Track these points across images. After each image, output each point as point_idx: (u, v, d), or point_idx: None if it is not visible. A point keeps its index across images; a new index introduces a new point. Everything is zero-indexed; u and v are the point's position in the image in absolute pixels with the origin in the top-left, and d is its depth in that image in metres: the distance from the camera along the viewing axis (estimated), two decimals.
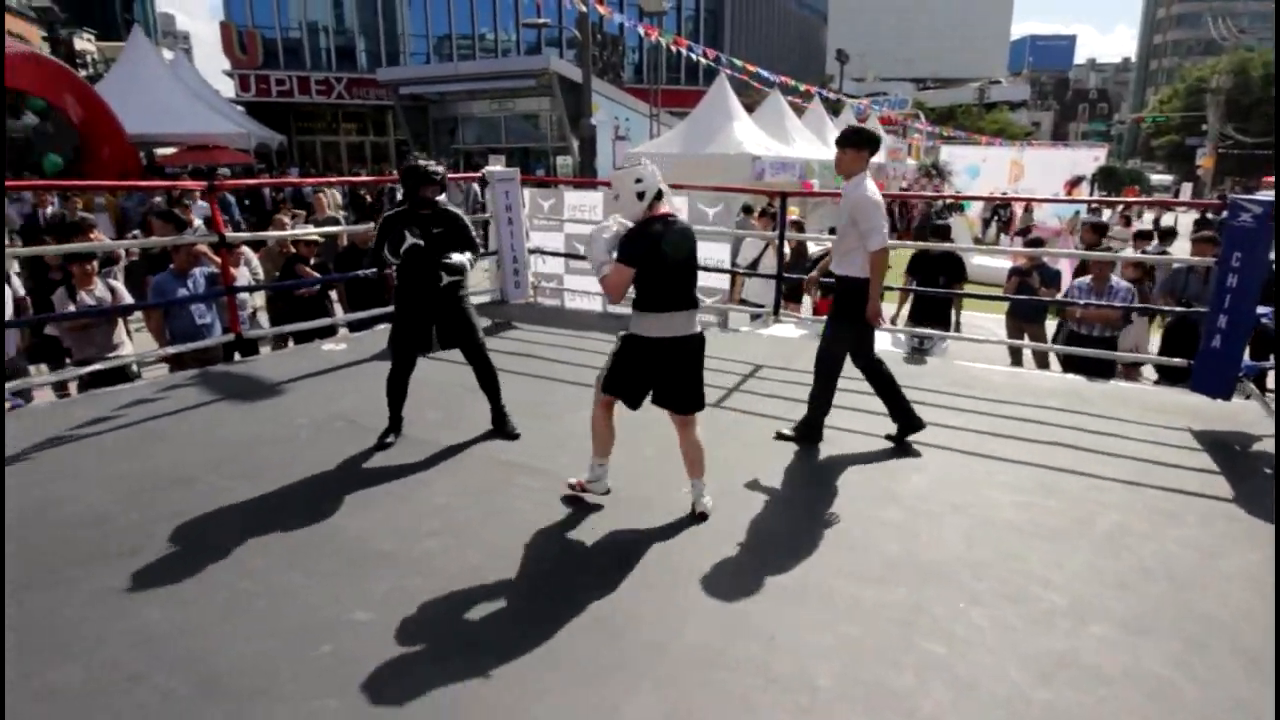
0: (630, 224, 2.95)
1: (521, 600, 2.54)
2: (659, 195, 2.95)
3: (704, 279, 6.58)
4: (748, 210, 11.21)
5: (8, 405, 4.35)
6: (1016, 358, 6.44)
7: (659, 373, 3.07)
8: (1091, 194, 20.84)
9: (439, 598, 2.53)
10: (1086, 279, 5.72)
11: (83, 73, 23.13)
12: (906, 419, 3.86)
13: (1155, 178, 46.21)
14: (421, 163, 3.73)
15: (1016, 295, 6.25)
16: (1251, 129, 45.35)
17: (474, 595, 2.55)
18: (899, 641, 2.36)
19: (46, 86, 15.27)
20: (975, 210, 18.74)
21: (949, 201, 15.98)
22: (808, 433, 3.90)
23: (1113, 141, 59.28)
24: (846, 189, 3.75)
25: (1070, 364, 5.69)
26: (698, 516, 3.08)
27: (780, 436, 3.94)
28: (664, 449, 3.80)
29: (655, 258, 2.90)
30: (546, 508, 3.17)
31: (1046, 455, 3.77)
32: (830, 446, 3.86)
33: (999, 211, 17.22)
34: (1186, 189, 31.98)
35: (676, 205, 6.56)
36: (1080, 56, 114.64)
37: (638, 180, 2.91)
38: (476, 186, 15.34)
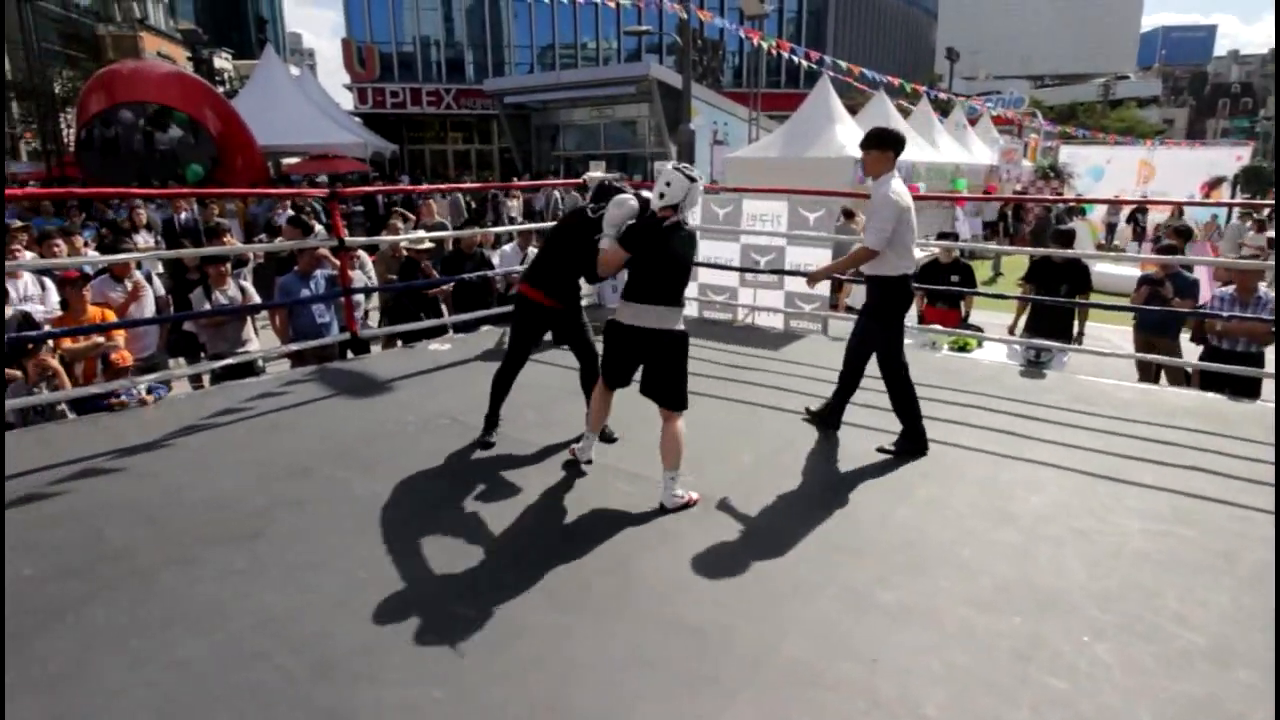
0: (634, 208, 3.24)
1: (617, 605, 2.53)
2: (674, 207, 3.17)
3: (804, 285, 6.43)
4: (848, 214, 10.91)
5: (151, 395, 4.74)
6: (1146, 374, 5.96)
7: (633, 360, 3.33)
8: (1233, 197, 19.13)
9: (536, 596, 2.57)
10: (1230, 289, 5.24)
11: (220, 89, 25.12)
12: (914, 438, 3.76)
13: None
14: (610, 180, 3.82)
15: (1146, 306, 5.79)
16: None
17: (570, 597, 2.57)
18: (1014, 673, 2.21)
19: (190, 102, 16.68)
20: (1098, 214, 17.56)
21: (1070, 205, 15.02)
22: (829, 417, 4.03)
23: (1258, 139, 54.25)
24: (872, 188, 3.71)
25: (1210, 382, 5.22)
26: (660, 507, 3.18)
27: (808, 412, 4.15)
28: (761, 459, 3.74)
29: (649, 251, 3.14)
30: (642, 513, 3.17)
31: (1183, 480, 3.46)
32: (937, 462, 3.68)
33: (1137, 216, 15.99)
34: None
35: (776, 210, 6.46)
36: (1221, 48, 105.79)
37: (667, 184, 3.14)
38: (557, 193, 15.63)
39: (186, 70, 24.50)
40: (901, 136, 3.69)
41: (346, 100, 32.91)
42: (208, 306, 5.39)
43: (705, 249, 6.97)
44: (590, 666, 2.22)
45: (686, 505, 3.19)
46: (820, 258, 6.36)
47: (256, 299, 5.98)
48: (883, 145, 3.62)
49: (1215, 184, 19.02)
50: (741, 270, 6.75)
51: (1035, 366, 5.34)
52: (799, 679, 2.19)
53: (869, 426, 4.16)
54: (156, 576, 2.66)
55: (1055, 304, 5.69)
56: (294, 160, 23.19)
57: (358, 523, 3.04)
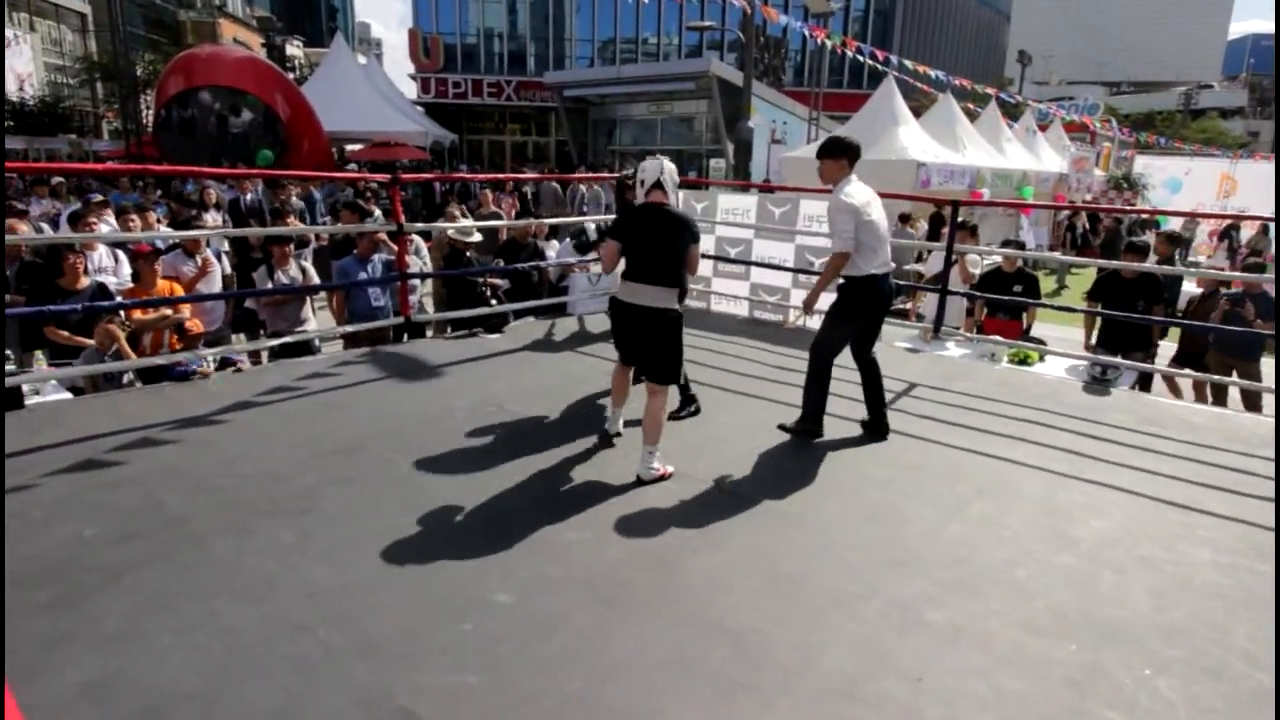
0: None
1: (657, 604, 2.50)
2: (656, 185, 3.42)
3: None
4: (904, 219, 10.66)
5: (221, 368, 4.87)
6: (1219, 397, 5.67)
7: (622, 333, 3.63)
8: None
9: (576, 590, 2.55)
10: None
11: (291, 75, 25.85)
12: (876, 421, 4.01)
13: None
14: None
15: (1224, 325, 5.51)
16: None
17: (610, 592, 2.55)
18: (1068, 703, 2.11)
19: (262, 87, 17.21)
20: (1175, 227, 16.79)
21: (1144, 218, 14.41)
22: (804, 427, 3.97)
23: None
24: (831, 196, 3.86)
25: None
26: (636, 479, 3.38)
27: (781, 428, 4.03)
28: (807, 464, 3.67)
29: (628, 235, 3.46)
30: (685, 513, 3.13)
31: (1259, 513, 3.27)
32: (993, 478, 3.56)
33: (1231, 232, 15.22)
34: None
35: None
36: None
37: (641, 170, 3.48)
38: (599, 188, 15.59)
39: (260, 56, 25.28)
40: (854, 145, 3.82)
41: (410, 89, 33.56)
42: (270, 285, 5.53)
43: (760, 249, 6.90)
44: (626, 664, 2.20)
45: (661, 478, 3.43)
46: None
47: (316, 280, 6.13)
48: (835, 154, 3.79)
49: None
50: (795, 271, 6.64)
51: (1100, 384, 5.12)
52: (839, 692, 2.13)
53: (920, 436, 4.05)
54: (210, 544, 2.73)
55: (1127, 319, 5.44)
56: (357, 146, 23.75)
57: (404, 504, 3.07)
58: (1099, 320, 5.79)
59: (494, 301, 6.22)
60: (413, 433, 3.84)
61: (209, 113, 16.68)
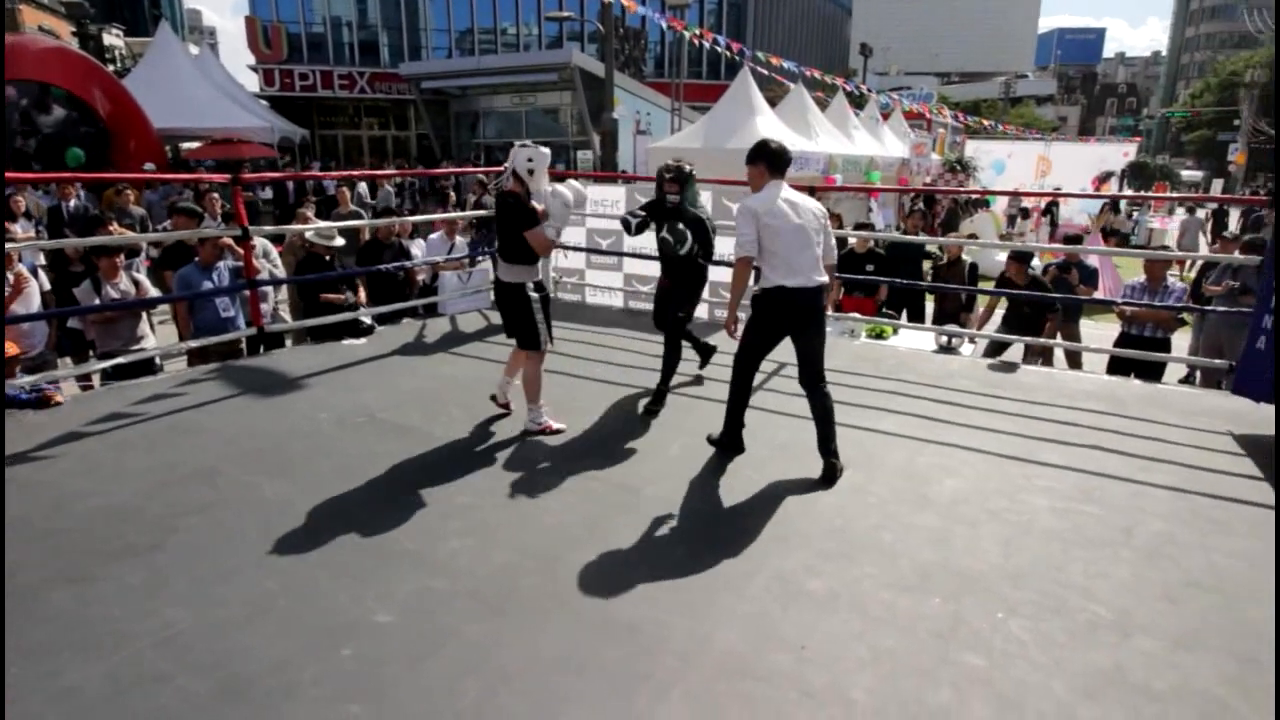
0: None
1: (547, 604, 2.48)
2: (513, 174, 3.71)
3: (728, 274, 6.50)
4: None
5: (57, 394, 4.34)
6: (1047, 358, 6.26)
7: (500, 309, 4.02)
8: (1121, 190, 20.42)
9: (463, 600, 2.48)
10: (1140, 279, 5.57)
11: (111, 68, 23.42)
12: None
13: (1185, 173, 45.22)
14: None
15: (1057, 294, 6.09)
16: None
17: (499, 598, 2.50)
18: (936, 654, 2.27)
19: (72, 79, 15.47)
20: (1000, 206, 18.42)
21: (974, 198, 15.71)
22: (723, 441, 3.72)
23: (1142, 136, 58.12)
24: None
25: (1118, 366, 5.54)
26: (522, 434, 3.85)
27: (710, 440, 3.78)
28: (689, 450, 3.74)
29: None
30: (574, 509, 3.12)
31: (1086, 460, 3.66)
32: (860, 449, 3.77)
33: (1051, 209, 16.82)
34: (1217, 185, 31.25)
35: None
36: (1109, 50, 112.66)
37: (529, 159, 3.68)
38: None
39: (71, 46, 22.72)
40: (772, 149, 3.55)
41: (251, 82, 31.24)
42: (97, 301, 5.00)
43: (631, 239, 6.94)
44: (520, 671, 2.16)
45: (544, 431, 3.84)
46: None
47: (153, 292, 5.60)
48: (751, 160, 3.57)
49: (1105, 178, 20.25)
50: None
51: (946, 352, 5.55)
52: (731, 671, 2.19)
53: (792, 414, 4.22)
54: (43, 597, 2.44)
55: (970, 292, 5.91)
56: (194, 145, 21.89)
57: (268, 530, 2.87)
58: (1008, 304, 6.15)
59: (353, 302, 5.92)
60: (274, 452, 3.60)
61: (13, 109, 14.83)
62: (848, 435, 3.93)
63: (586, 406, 4.30)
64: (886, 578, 2.66)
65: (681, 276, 4.46)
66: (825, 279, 3.51)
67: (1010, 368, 5.22)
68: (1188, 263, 11.85)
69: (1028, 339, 5.65)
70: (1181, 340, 7.30)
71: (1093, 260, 7.58)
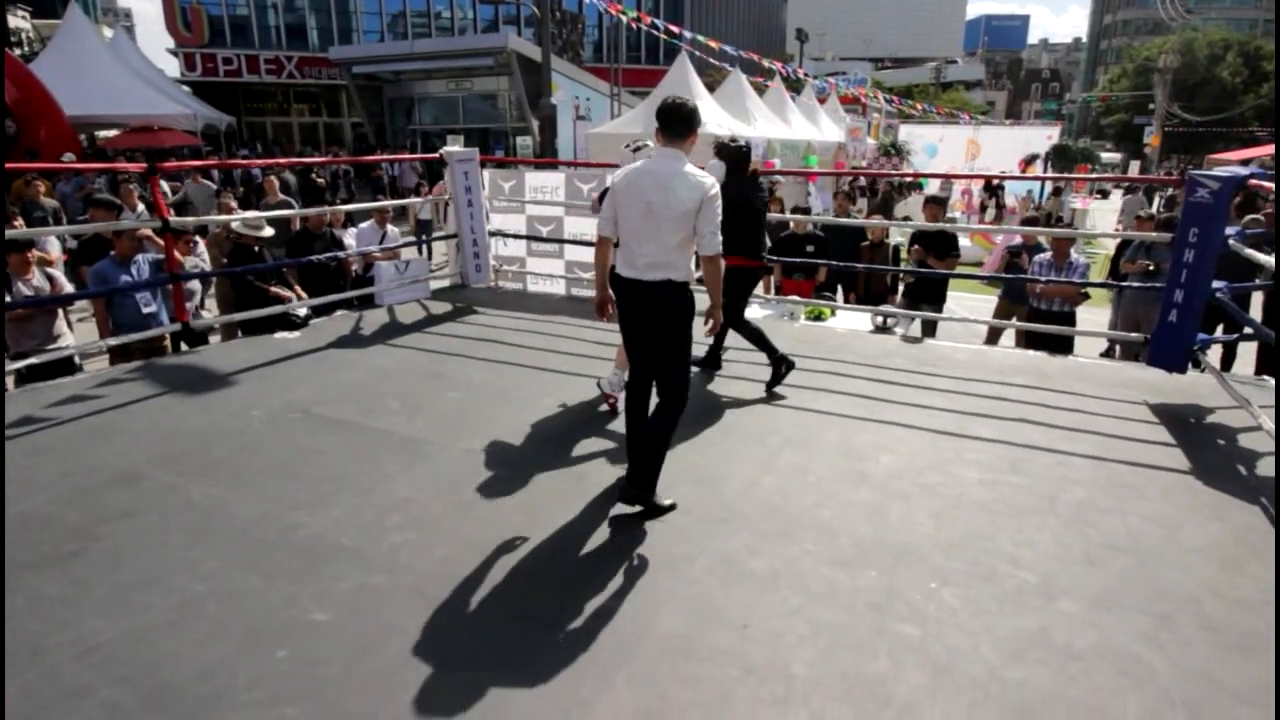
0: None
1: (489, 597, 2.46)
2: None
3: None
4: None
5: None
6: (994, 338, 6.47)
7: None
8: (1045, 171, 21.18)
9: (403, 595, 2.44)
10: (1047, 255, 5.79)
11: (16, 51, 22.04)
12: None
13: (1105, 156, 47.20)
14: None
15: (1009, 275, 6.29)
16: (1196, 107, 46.55)
17: (439, 592, 2.46)
18: (873, 626, 2.34)
19: None
20: (933, 189, 18.92)
21: (909, 181, 16.08)
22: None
23: (1064, 120, 60.37)
24: None
25: (1032, 340, 5.76)
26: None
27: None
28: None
29: None
30: (516, 498, 3.09)
31: (1013, 432, 3.80)
32: (800, 429, 3.83)
33: (997, 192, 17.32)
34: (1134, 167, 32.74)
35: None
36: (1033, 36, 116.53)
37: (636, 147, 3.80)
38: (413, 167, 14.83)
39: None
40: (660, 107, 2.95)
41: (171, 67, 29.83)
42: (8, 299, 4.72)
43: (571, 226, 6.91)
44: (462, 664, 2.14)
45: (608, 399, 3.99)
46: None
47: (68, 288, 5.32)
48: (657, 123, 2.97)
49: (1030, 160, 20.97)
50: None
51: (883, 332, 5.69)
52: (674, 653, 2.21)
53: (734, 397, 4.27)
54: None
55: (927, 274, 6.07)
56: (112, 133, 20.81)
57: (195, 533, 2.77)
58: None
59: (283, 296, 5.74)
60: (202, 452, 3.47)
61: None
62: (790, 416, 4.01)
63: (529, 395, 4.26)
64: (825, 554, 2.72)
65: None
66: (667, 275, 2.84)
67: (941, 347, 5.38)
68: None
69: (1005, 322, 5.89)
70: (1102, 316, 7.65)
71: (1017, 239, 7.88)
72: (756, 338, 4.46)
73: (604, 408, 4.06)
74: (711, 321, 3.02)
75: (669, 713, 1.99)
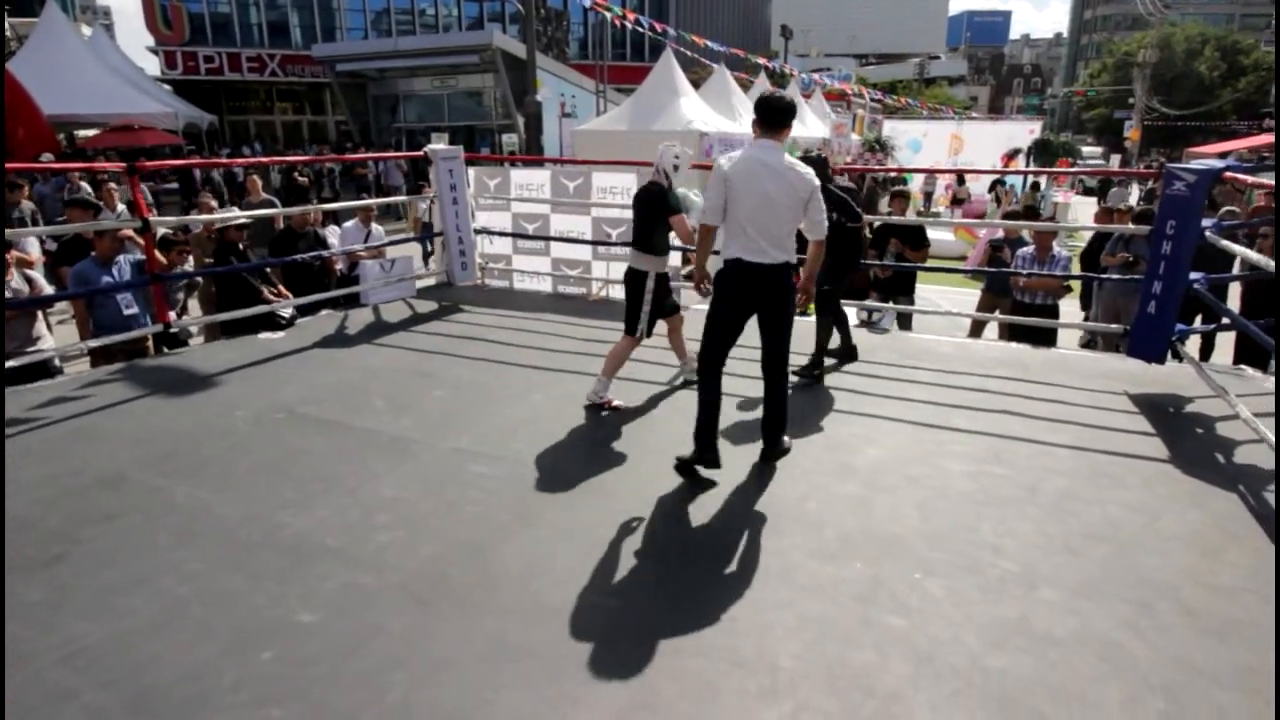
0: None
1: (476, 593, 2.46)
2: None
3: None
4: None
5: None
6: (978, 331, 6.52)
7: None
8: (1027, 165, 21.33)
9: (390, 595, 2.44)
10: (1030, 249, 5.84)
11: None
12: (767, 444, 3.39)
13: (1086, 150, 47.64)
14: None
15: (991, 269, 6.33)
16: (1174, 101, 47.08)
17: (426, 591, 2.46)
18: (859, 617, 2.36)
19: None
20: (917, 184, 19.03)
21: (892, 176, 16.14)
22: (695, 457, 3.26)
23: (1046, 115, 60.87)
24: None
25: (1015, 333, 5.81)
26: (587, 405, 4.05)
27: (679, 465, 3.30)
28: (619, 433, 3.76)
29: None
30: (500, 496, 3.10)
31: (996, 424, 3.84)
32: (788, 423, 3.84)
33: (997, 187, 17.43)
34: (1115, 160, 33.04)
35: (626, 183, 6.49)
36: (1015, 32, 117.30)
37: (677, 156, 4.00)
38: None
39: None
40: (761, 101, 3.19)
41: (152, 65, 29.50)
42: None
43: (557, 223, 6.90)
44: (449, 662, 2.14)
45: (604, 405, 4.01)
46: None
47: (48, 290, 5.26)
48: (755, 114, 3.22)
49: (1013, 155, 21.11)
50: (594, 243, 6.73)
51: (868, 326, 5.72)
52: (662, 646, 2.22)
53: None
54: None
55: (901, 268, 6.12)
56: (91, 132, 20.57)
57: (180, 534, 2.75)
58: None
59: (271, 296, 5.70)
60: (187, 453, 3.44)
61: None
62: None
63: (516, 393, 4.26)
64: (811, 546, 2.74)
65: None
66: (787, 257, 3.15)
67: (924, 340, 5.42)
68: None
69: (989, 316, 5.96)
70: (1069, 308, 7.72)
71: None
72: (831, 327, 4.69)
73: (605, 413, 3.99)
74: (803, 295, 3.38)
75: (657, 705, 2.00)
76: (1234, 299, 6.04)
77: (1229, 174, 4.16)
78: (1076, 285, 6.75)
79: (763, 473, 3.33)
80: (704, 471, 3.26)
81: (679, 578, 2.55)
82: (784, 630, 2.30)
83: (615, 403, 4.05)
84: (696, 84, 16.94)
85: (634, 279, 4.07)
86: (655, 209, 3.94)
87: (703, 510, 3.00)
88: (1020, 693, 2.05)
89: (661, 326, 4.26)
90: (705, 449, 3.22)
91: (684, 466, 3.25)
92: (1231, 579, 2.56)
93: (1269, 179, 4.60)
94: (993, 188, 17.54)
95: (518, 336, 5.40)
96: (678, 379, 4.42)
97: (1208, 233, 4.16)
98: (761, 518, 2.94)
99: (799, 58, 50.30)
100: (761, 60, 20.65)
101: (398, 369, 4.65)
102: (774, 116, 3.14)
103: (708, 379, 3.32)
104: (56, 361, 4.94)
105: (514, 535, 2.80)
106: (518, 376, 4.57)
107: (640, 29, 18.16)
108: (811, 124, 20.56)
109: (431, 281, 6.91)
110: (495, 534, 2.81)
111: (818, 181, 3.18)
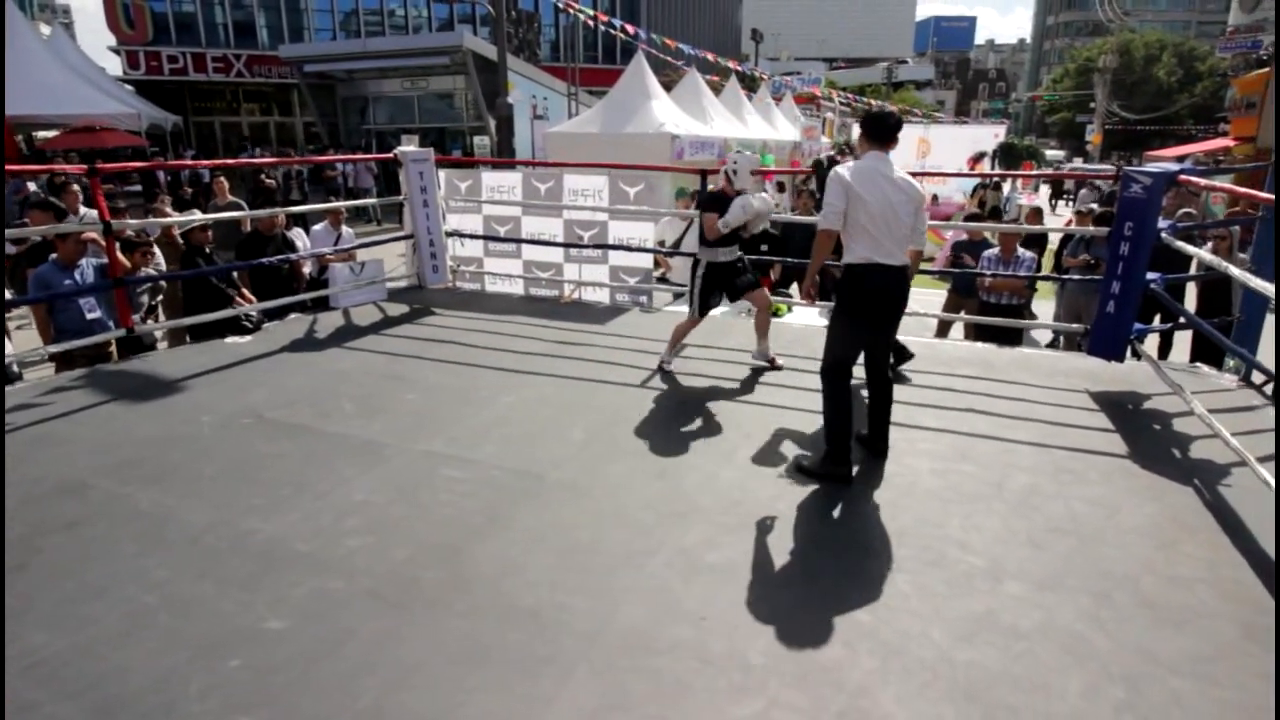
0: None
1: (449, 597, 2.45)
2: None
3: (628, 259, 6.54)
4: (681, 195, 11.28)
5: None
6: (944, 331, 6.61)
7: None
8: (992, 168, 21.71)
9: (361, 600, 2.42)
10: (995, 250, 5.95)
11: None
12: (832, 459, 3.32)
13: (1050, 153, 48.63)
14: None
15: (957, 270, 6.42)
16: (1134, 106, 48.26)
17: (399, 594, 2.45)
18: (828, 613, 2.39)
19: None
20: None
21: None
22: (826, 469, 3.29)
23: (1011, 119, 62.08)
24: None
25: (981, 333, 5.92)
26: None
27: (799, 469, 3.36)
28: (592, 433, 3.76)
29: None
30: (475, 498, 3.09)
31: (962, 422, 3.91)
32: (759, 423, 3.89)
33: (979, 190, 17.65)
34: (1077, 163, 33.76)
35: (597, 185, 6.50)
36: (980, 37, 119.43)
37: (734, 162, 4.55)
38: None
39: None
40: (876, 118, 3.45)
41: (114, 65, 28.87)
42: None
43: (529, 225, 6.89)
44: (421, 666, 2.13)
45: (661, 366, 4.66)
46: (642, 231, 6.48)
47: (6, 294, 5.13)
48: (863, 129, 3.45)
49: (979, 158, 21.46)
50: (566, 245, 6.72)
51: None
52: (633, 646, 2.23)
53: (697, 392, 4.31)
54: None
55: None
56: (51, 134, 20.07)
57: (145, 542, 2.71)
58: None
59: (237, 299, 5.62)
60: (152, 459, 3.38)
61: None
62: (749, 411, 4.07)
63: (488, 395, 4.25)
64: (783, 545, 2.77)
65: None
66: (905, 260, 3.31)
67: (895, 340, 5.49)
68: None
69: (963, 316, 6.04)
70: (1047, 308, 7.88)
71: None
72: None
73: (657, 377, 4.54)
74: None
75: (629, 705, 2.01)
76: (1190, 299, 6.21)
77: (1183, 177, 4.28)
78: (1044, 285, 6.88)
79: (734, 476, 3.36)
80: (725, 475, 3.30)
81: (651, 577, 2.57)
82: (753, 629, 2.32)
83: (669, 368, 4.66)
84: (668, 87, 16.99)
85: (693, 266, 4.66)
86: (699, 206, 4.74)
87: (676, 511, 3.01)
88: (987, 684, 2.10)
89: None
90: (840, 462, 3.27)
91: (812, 475, 3.28)
92: (1188, 570, 2.64)
93: (1224, 182, 4.74)
94: (975, 191, 17.81)
95: (489, 339, 5.38)
96: (758, 359, 4.78)
97: (1164, 234, 4.28)
98: (733, 518, 2.96)
99: (770, 61, 50.74)
100: (732, 64, 20.78)
101: (368, 372, 4.61)
102: (883, 131, 3.39)
103: (842, 385, 3.34)
104: (15, 367, 4.82)
105: (486, 538, 2.80)
106: (490, 379, 4.55)
107: (612, 31, 18.19)
108: (782, 127, 20.72)
109: (402, 284, 6.85)
110: (468, 537, 2.80)
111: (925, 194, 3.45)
